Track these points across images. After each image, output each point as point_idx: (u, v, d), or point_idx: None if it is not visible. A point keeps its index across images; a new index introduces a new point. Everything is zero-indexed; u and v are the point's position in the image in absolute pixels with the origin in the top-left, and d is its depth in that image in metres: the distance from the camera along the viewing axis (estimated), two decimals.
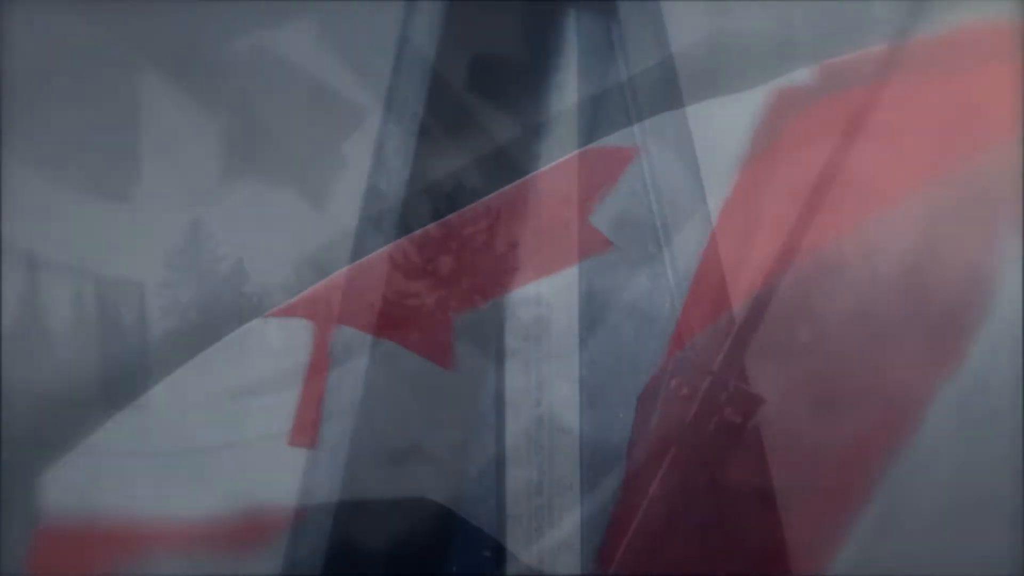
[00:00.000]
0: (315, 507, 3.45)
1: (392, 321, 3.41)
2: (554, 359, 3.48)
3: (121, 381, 3.68)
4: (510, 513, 3.48)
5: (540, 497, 3.48)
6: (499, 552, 3.49)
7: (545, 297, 3.48)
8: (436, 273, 3.50)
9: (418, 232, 3.47)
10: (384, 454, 3.47)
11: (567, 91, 3.51)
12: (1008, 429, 3.23)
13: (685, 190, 3.44)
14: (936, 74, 3.33)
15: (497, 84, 3.49)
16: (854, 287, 3.32)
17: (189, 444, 3.49)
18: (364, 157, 3.51)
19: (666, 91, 3.44)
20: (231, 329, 3.70)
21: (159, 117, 3.68)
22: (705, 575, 3.41)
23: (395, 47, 3.48)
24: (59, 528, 3.47)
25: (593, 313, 3.49)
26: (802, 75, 3.33)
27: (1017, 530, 3.24)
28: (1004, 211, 3.27)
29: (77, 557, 3.48)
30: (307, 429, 3.41)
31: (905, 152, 3.35)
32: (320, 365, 3.42)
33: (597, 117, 3.50)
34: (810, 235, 3.31)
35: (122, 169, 3.71)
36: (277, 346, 3.50)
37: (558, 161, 3.45)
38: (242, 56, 3.58)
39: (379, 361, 3.48)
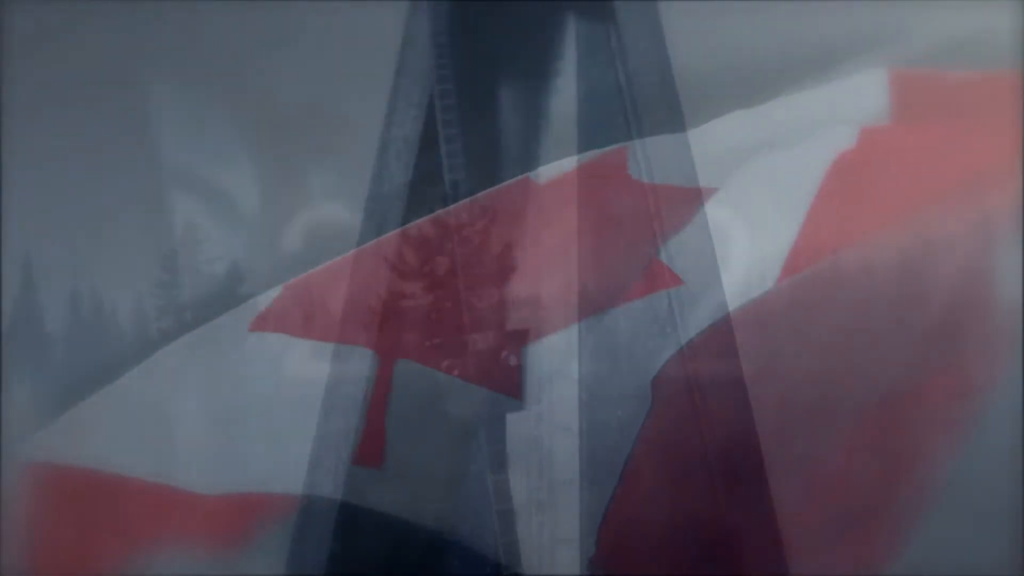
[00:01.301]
0: (317, 503, 3.48)
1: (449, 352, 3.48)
2: (554, 358, 3.52)
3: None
4: (511, 508, 3.52)
5: (540, 492, 3.52)
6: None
7: (544, 297, 3.52)
8: (432, 274, 3.53)
9: (414, 233, 3.50)
10: (386, 452, 3.51)
11: (566, 94, 3.55)
12: (1008, 430, 3.28)
13: (682, 192, 3.48)
14: (945, 116, 3.41)
15: (498, 87, 3.53)
16: (854, 298, 3.38)
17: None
18: (366, 160, 3.54)
19: (664, 94, 3.48)
20: (226, 332, 3.72)
21: (157, 119, 3.68)
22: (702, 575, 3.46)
23: (397, 52, 3.50)
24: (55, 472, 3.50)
25: (592, 312, 3.53)
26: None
27: (1017, 530, 3.30)
28: (1002, 224, 3.34)
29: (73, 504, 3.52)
30: (373, 449, 3.45)
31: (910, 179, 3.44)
32: (383, 389, 3.45)
33: (595, 120, 3.54)
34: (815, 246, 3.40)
35: (119, 170, 3.72)
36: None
37: (563, 166, 3.50)
38: (243, 59, 3.59)
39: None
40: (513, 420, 3.52)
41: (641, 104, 3.48)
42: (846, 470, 3.39)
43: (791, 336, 3.40)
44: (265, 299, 3.57)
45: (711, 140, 3.47)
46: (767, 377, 3.38)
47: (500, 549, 3.47)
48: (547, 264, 3.52)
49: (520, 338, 3.48)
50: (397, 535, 3.47)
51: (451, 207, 3.50)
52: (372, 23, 3.53)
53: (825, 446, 3.39)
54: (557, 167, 3.52)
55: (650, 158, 3.47)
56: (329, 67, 3.54)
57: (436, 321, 3.48)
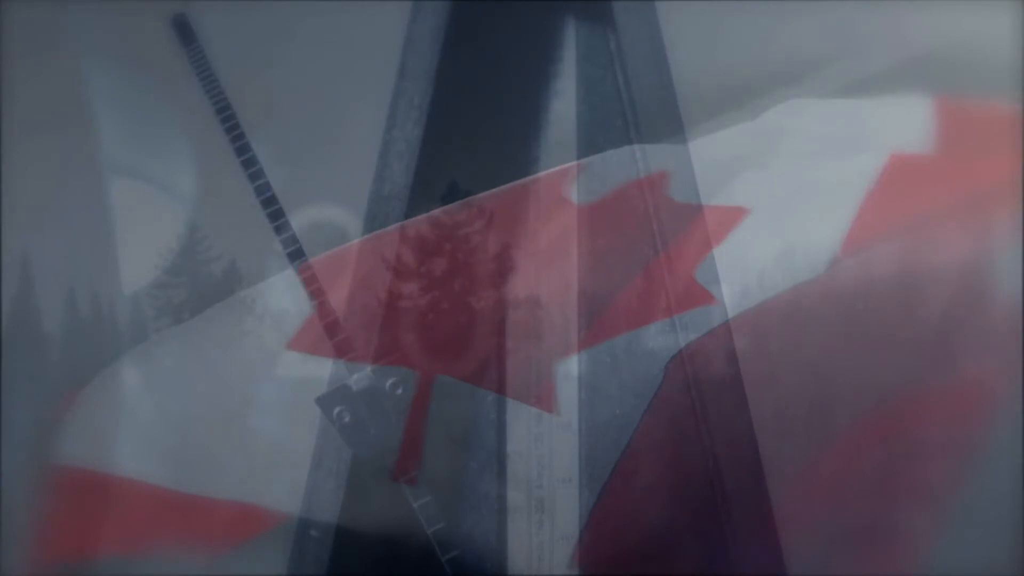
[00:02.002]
0: (319, 505, 3.49)
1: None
2: (554, 356, 3.55)
3: None
4: (511, 506, 3.55)
5: (540, 490, 3.55)
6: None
7: (544, 298, 3.54)
8: (430, 275, 3.55)
9: (412, 235, 3.52)
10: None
11: (566, 97, 3.58)
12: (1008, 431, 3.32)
13: (682, 194, 3.52)
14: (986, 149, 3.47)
15: (498, 90, 3.55)
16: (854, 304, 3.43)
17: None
18: (368, 161, 3.55)
19: (662, 96, 3.50)
20: (224, 330, 3.72)
21: (156, 120, 3.69)
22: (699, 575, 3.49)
23: (400, 54, 3.51)
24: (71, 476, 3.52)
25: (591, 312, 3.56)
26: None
27: (1017, 530, 3.34)
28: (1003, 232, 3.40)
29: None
30: (410, 465, 3.49)
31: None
32: (422, 404, 3.49)
33: (595, 121, 3.56)
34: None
35: (117, 170, 3.72)
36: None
37: (565, 167, 3.52)
38: (244, 59, 3.59)
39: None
40: (514, 418, 3.55)
41: (640, 106, 3.51)
42: (845, 473, 3.43)
43: (792, 341, 3.44)
44: (291, 307, 3.58)
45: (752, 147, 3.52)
46: (767, 380, 3.41)
47: (446, 567, 3.48)
48: (546, 264, 3.55)
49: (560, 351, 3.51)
50: (398, 536, 3.49)
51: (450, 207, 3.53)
52: (373, 24, 3.55)
53: (824, 450, 3.42)
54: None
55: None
56: (330, 68, 3.55)
57: (474, 334, 3.51)
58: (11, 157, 3.60)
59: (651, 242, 3.51)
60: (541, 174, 3.53)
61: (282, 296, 3.67)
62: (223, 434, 3.58)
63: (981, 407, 3.38)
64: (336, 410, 3.47)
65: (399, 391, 3.49)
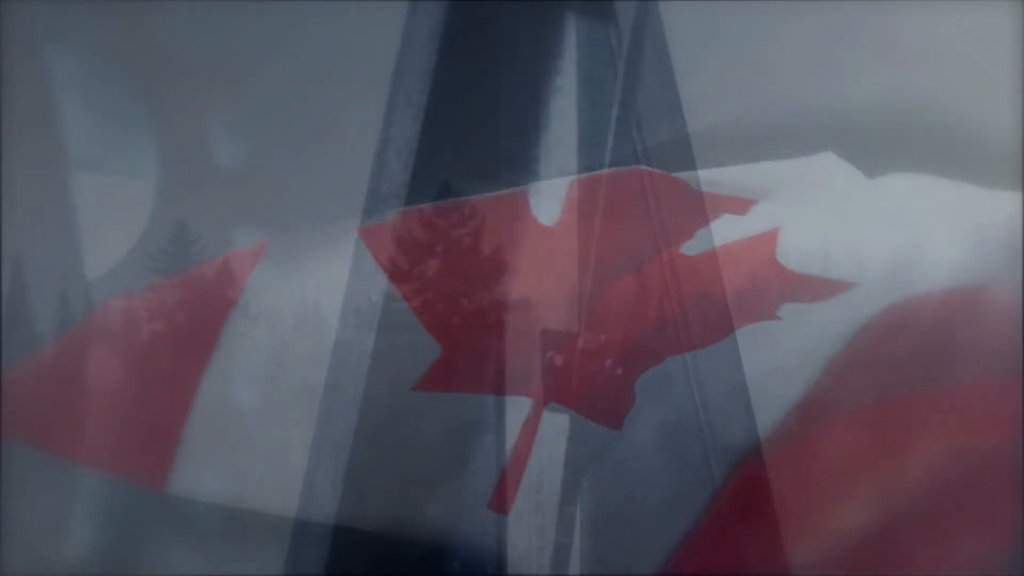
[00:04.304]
0: (316, 506, 3.49)
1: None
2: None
3: None
4: (511, 509, 3.53)
5: (540, 495, 3.54)
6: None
7: (543, 298, 3.54)
8: (423, 274, 3.54)
9: (407, 236, 3.52)
10: (387, 450, 3.52)
11: (567, 94, 3.58)
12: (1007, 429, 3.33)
13: (684, 196, 3.52)
14: None
15: (498, 88, 3.55)
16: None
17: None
18: (365, 160, 3.55)
19: (664, 94, 3.51)
20: (219, 331, 3.71)
21: (153, 121, 3.68)
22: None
23: (397, 52, 3.51)
24: None
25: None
26: None
27: (1017, 530, 3.35)
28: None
29: None
30: (507, 495, 3.49)
31: None
32: (531, 434, 3.48)
33: (596, 119, 3.56)
34: None
35: (113, 171, 3.72)
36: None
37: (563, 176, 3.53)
38: (243, 59, 3.60)
39: (380, 358, 3.53)
40: (514, 417, 3.54)
41: (641, 104, 3.50)
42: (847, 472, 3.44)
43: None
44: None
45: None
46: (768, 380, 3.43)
47: None
48: (547, 266, 3.55)
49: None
50: (395, 537, 3.48)
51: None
52: (372, 28, 3.55)
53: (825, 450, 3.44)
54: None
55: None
56: (327, 67, 3.55)
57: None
58: (11, 158, 3.60)
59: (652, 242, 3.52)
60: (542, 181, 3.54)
61: (277, 297, 3.66)
62: (220, 435, 3.57)
63: (981, 409, 3.39)
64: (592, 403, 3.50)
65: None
